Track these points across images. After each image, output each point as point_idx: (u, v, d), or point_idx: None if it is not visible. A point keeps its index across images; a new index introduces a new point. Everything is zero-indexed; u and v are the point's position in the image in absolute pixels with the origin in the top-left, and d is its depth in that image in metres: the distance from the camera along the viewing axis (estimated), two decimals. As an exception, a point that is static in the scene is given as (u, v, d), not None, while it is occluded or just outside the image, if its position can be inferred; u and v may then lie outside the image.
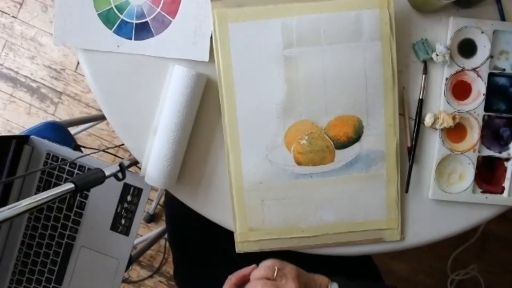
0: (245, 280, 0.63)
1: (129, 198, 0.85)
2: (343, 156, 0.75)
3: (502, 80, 0.77)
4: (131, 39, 0.74)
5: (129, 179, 0.82)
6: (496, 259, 1.57)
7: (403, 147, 0.76)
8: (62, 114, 1.65)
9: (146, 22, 0.74)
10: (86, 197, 0.85)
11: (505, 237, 1.57)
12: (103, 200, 0.85)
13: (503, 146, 0.77)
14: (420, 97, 0.76)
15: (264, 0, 0.71)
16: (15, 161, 0.85)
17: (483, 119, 0.76)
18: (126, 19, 0.74)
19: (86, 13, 0.74)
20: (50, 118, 1.65)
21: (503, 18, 0.76)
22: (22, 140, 0.86)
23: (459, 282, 1.52)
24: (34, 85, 1.65)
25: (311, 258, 0.78)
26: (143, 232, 1.59)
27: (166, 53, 0.74)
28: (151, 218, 1.59)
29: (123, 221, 0.85)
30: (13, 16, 1.65)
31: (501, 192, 0.77)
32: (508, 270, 1.58)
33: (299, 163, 0.75)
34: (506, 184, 0.77)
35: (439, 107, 0.76)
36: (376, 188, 0.76)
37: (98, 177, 0.65)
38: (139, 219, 0.85)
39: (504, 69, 0.76)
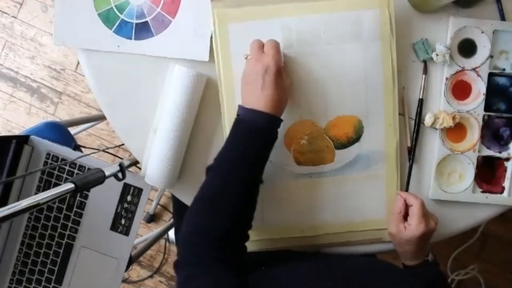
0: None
1: (129, 198, 0.84)
2: (343, 156, 0.75)
3: (502, 80, 0.77)
4: (131, 39, 0.74)
5: (129, 179, 0.82)
6: (496, 259, 1.57)
7: (403, 147, 0.76)
8: (62, 114, 1.65)
9: (146, 22, 0.74)
10: (86, 197, 0.85)
11: (505, 237, 1.57)
12: (103, 200, 0.85)
13: (503, 146, 0.77)
14: (420, 97, 0.76)
15: (264, 0, 0.71)
16: (15, 161, 0.85)
17: (483, 119, 0.76)
18: (126, 19, 0.74)
19: (86, 13, 0.74)
20: (50, 118, 1.65)
21: (503, 18, 0.76)
22: (22, 140, 0.86)
23: (459, 282, 1.52)
24: (34, 85, 1.65)
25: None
26: (143, 232, 1.59)
27: (166, 53, 0.74)
28: (151, 218, 1.59)
29: (123, 221, 0.85)
30: (13, 16, 1.65)
31: (501, 192, 0.77)
32: (508, 270, 1.58)
33: (298, 163, 0.75)
34: (506, 184, 0.77)
35: (439, 107, 0.76)
36: (376, 188, 0.76)
37: (98, 177, 0.65)
38: (139, 219, 0.85)
39: (504, 69, 0.76)
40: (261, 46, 0.66)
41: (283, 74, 0.65)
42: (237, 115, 0.65)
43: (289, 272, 0.63)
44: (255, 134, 0.63)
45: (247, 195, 0.63)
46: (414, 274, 0.71)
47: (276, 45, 0.65)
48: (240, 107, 0.65)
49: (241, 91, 0.67)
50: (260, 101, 0.63)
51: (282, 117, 0.65)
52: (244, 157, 0.62)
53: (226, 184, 0.61)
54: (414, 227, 0.67)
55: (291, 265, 0.66)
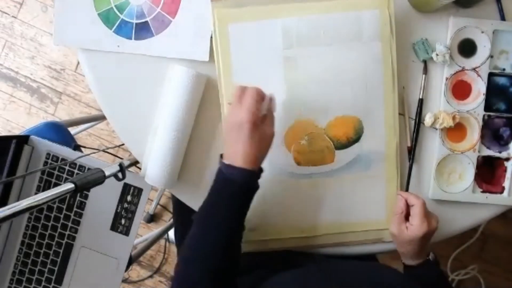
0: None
1: (129, 198, 0.84)
2: (343, 156, 0.75)
3: (502, 80, 0.77)
4: (131, 39, 0.74)
5: (129, 179, 0.82)
6: (496, 259, 1.57)
7: (403, 147, 0.76)
8: (62, 114, 1.65)
9: (146, 22, 0.74)
10: (86, 197, 0.85)
11: (505, 237, 1.57)
12: (103, 200, 0.85)
13: (503, 146, 0.77)
14: (420, 97, 0.76)
15: (264, 0, 0.71)
16: (15, 161, 0.85)
17: (483, 119, 0.76)
18: (126, 19, 0.74)
19: (86, 13, 0.74)
20: (50, 118, 1.65)
21: (503, 18, 0.76)
22: (22, 140, 0.86)
23: (459, 282, 1.52)
24: (34, 85, 1.65)
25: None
26: (143, 232, 1.59)
27: (166, 53, 0.74)
28: (151, 218, 1.59)
29: (123, 221, 0.85)
30: (13, 16, 1.65)
31: (501, 192, 0.77)
32: (508, 270, 1.58)
33: (298, 163, 0.75)
34: (506, 184, 0.77)
35: (439, 107, 0.76)
36: (376, 188, 0.76)
37: (98, 177, 0.65)
38: (139, 219, 0.85)
39: (504, 69, 0.76)
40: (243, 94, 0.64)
41: (265, 124, 0.64)
42: (219, 164, 0.65)
43: (284, 280, 0.63)
44: (234, 190, 0.63)
45: (229, 244, 0.64)
46: (412, 276, 0.71)
47: (254, 94, 0.63)
48: (220, 159, 0.65)
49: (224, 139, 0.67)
50: (236, 155, 0.62)
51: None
52: (223, 210, 0.63)
53: (208, 235, 0.63)
54: (416, 227, 0.67)
55: (286, 273, 0.66)
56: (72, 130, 1.24)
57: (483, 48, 0.75)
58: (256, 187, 0.65)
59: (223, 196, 0.64)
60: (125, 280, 1.59)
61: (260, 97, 0.64)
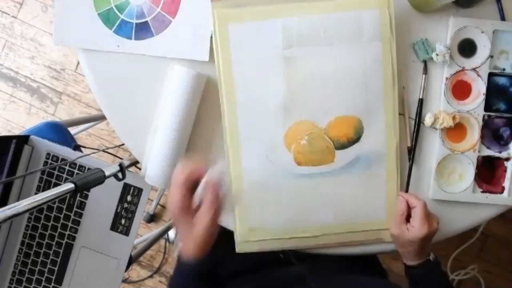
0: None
1: (129, 198, 0.84)
2: (343, 156, 0.75)
3: (502, 80, 0.77)
4: (131, 39, 0.74)
5: (129, 179, 0.82)
6: (496, 259, 1.57)
7: (403, 147, 0.76)
8: (62, 114, 1.65)
9: (146, 22, 0.74)
10: (86, 197, 0.85)
11: (505, 237, 1.57)
12: (103, 200, 0.85)
13: (503, 146, 0.77)
14: (420, 97, 0.76)
15: (264, 1, 0.71)
16: (15, 161, 0.85)
17: (483, 119, 0.76)
18: (126, 19, 0.74)
19: (86, 13, 0.74)
20: (50, 118, 1.65)
21: (503, 18, 0.76)
22: (22, 140, 0.86)
23: (459, 282, 1.52)
24: (34, 85, 1.65)
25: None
26: (143, 232, 1.59)
27: (166, 53, 0.74)
28: (151, 218, 1.59)
29: (123, 221, 0.85)
30: (13, 16, 1.65)
31: (501, 192, 0.77)
32: (508, 270, 1.58)
33: (299, 163, 0.75)
34: (506, 184, 0.77)
35: (439, 107, 0.76)
36: (376, 189, 0.76)
37: (98, 177, 0.65)
38: (139, 219, 0.85)
39: (504, 69, 0.76)
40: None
41: (198, 211, 0.56)
42: None
43: None
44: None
45: None
46: (413, 276, 0.71)
47: (175, 181, 0.54)
48: None
49: None
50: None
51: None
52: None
53: None
54: (417, 228, 0.68)
55: None
56: (72, 130, 1.24)
57: (483, 48, 0.75)
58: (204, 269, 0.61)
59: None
60: (125, 280, 1.59)
61: (182, 179, 0.55)
